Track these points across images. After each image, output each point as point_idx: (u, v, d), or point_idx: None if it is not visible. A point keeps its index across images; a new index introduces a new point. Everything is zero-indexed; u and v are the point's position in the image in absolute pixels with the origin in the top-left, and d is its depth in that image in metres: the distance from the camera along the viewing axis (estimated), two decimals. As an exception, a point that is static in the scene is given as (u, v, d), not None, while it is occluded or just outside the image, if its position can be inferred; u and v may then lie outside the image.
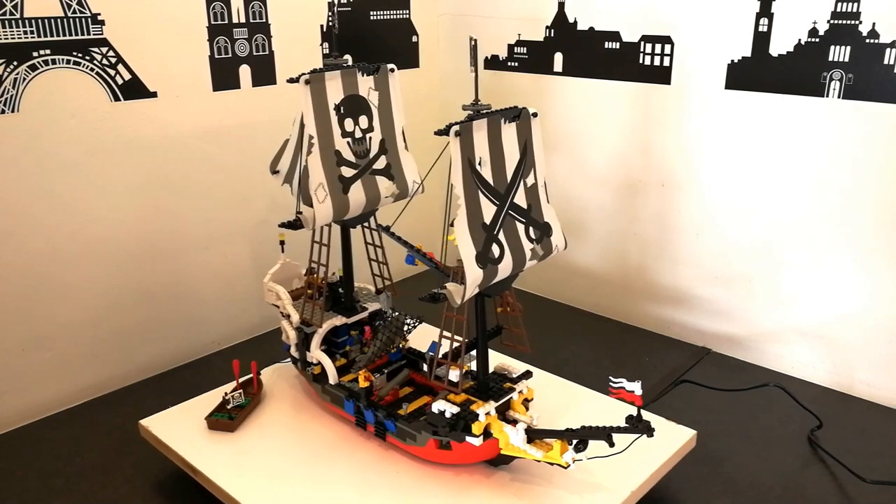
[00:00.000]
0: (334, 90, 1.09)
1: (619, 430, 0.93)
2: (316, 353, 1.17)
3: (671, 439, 1.09)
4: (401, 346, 1.22)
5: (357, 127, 1.13)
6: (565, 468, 0.97)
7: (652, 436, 0.91)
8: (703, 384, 1.35)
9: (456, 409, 1.00)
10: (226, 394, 1.19)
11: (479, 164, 0.96)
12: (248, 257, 1.58)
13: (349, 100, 1.11)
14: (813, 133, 1.33)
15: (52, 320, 1.32)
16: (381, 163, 1.16)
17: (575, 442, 0.96)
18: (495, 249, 0.97)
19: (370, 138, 1.15)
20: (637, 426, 0.91)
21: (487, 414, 1.00)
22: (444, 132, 0.92)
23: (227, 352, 1.54)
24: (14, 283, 1.27)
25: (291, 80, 1.07)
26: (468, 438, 1.00)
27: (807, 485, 1.11)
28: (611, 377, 0.93)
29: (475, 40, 0.98)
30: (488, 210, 0.97)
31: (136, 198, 1.39)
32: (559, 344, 1.53)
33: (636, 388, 0.91)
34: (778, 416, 1.27)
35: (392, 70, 1.16)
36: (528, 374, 1.08)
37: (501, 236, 0.98)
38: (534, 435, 0.99)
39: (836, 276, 1.36)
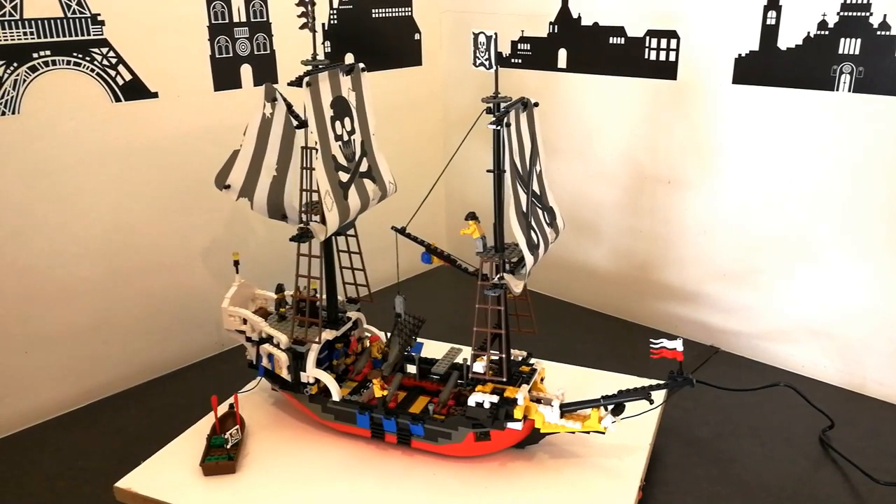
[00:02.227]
0: (326, 92, 1.07)
1: (659, 387, 1.00)
2: (315, 372, 1.13)
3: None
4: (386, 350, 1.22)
5: (344, 130, 1.11)
6: (603, 433, 1.03)
7: (693, 386, 0.99)
8: (712, 384, 1.33)
9: (495, 399, 1.03)
10: (208, 436, 1.11)
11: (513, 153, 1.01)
12: (252, 257, 1.57)
13: (336, 101, 1.09)
14: (822, 128, 1.31)
15: (54, 322, 1.32)
16: (364, 165, 1.14)
17: (611, 407, 1.01)
18: (534, 236, 1.01)
19: (354, 140, 1.13)
20: (678, 380, 0.98)
21: (524, 397, 1.03)
22: (498, 123, 0.96)
23: (230, 353, 1.53)
24: (16, 285, 1.26)
25: (293, 84, 1.04)
26: (509, 425, 1.03)
27: (818, 486, 1.09)
28: (651, 339, 0.99)
29: (495, 34, 0.99)
30: (522, 198, 1.01)
31: (138, 199, 1.38)
32: (565, 343, 1.51)
33: (677, 345, 0.97)
34: (789, 416, 1.25)
35: (364, 69, 1.14)
36: (530, 355, 1.13)
37: (533, 222, 1.03)
38: (566, 409, 1.03)
39: (847, 274, 1.34)
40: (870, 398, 1.33)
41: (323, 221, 1.08)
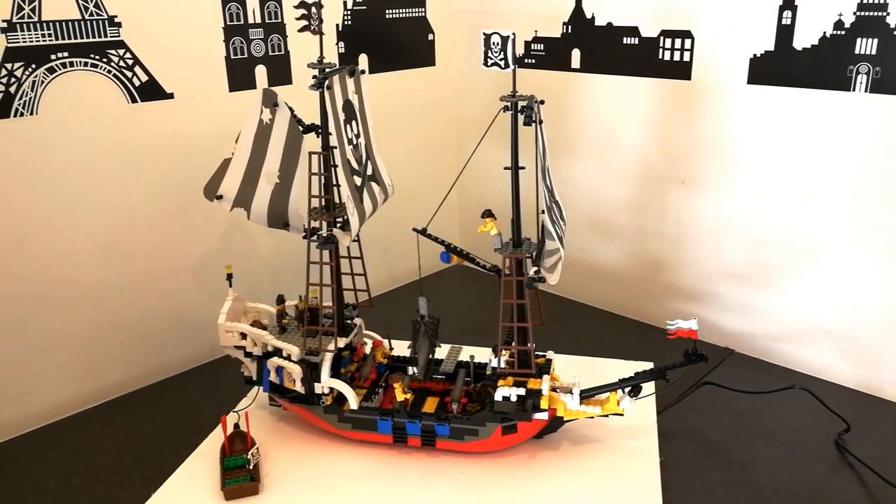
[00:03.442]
0: (338, 95, 1.07)
1: (674, 366, 1.05)
2: (330, 381, 1.10)
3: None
4: (386, 355, 1.21)
5: (352, 133, 1.10)
6: (622, 415, 1.09)
7: (707, 362, 1.04)
8: (727, 386, 1.32)
9: (522, 392, 1.06)
10: (221, 459, 1.07)
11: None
12: (265, 257, 1.58)
13: (346, 105, 1.08)
14: (839, 128, 1.29)
15: (70, 321, 1.33)
16: (369, 168, 1.14)
17: (628, 389, 1.07)
18: (558, 229, 1.05)
19: (360, 144, 1.12)
20: (692, 358, 1.04)
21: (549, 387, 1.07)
22: (529, 122, 1.00)
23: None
24: (33, 285, 1.28)
25: (314, 87, 1.03)
26: (536, 415, 1.06)
27: (834, 490, 1.08)
28: (667, 321, 1.05)
29: (513, 34, 1.01)
30: (546, 194, 1.04)
31: (153, 199, 1.39)
32: (577, 344, 1.50)
33: (692, 324, 1.03)
34: (804, 419, 1.24)
35: (363, 72, 1.13)
36: (535, 347, 1.13)
37: (555, 216, 1.05)
38: (584, 395, 1.08)
39: (863, 275, 1.33)
40: (887, 401, 1.32)
41: (331, 227, 1.07)
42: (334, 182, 1.10)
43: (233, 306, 1.18)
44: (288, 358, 1.12)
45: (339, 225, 1.11)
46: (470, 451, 1.11)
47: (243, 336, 1.16)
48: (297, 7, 1.06)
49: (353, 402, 1.10)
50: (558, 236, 1.04)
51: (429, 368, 1.17)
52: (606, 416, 1.09)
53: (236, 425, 1.13)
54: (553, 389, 1.09)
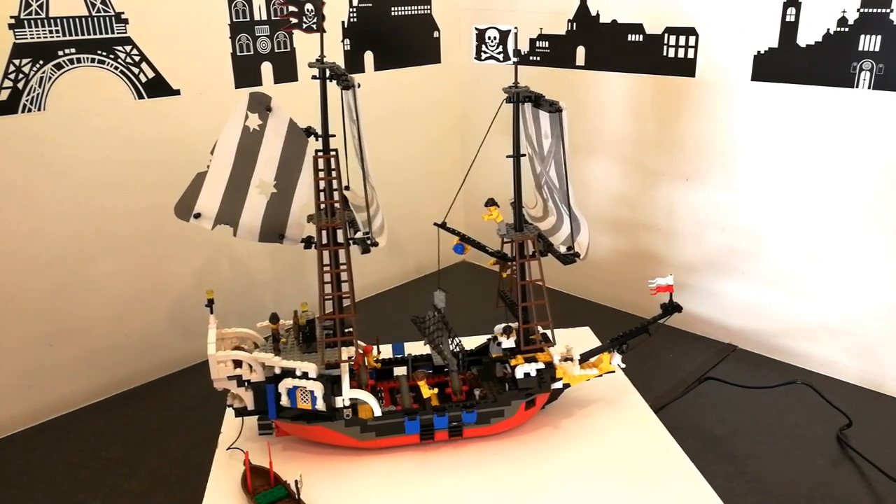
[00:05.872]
0: (351, 95, 1.03)
1: (654, 320, 1.16)
2: (353, 393, 1.05)
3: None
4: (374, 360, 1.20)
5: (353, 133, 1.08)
6: (613, 373, 1.18)
7: (681, 311, 1.15)
8: (729, 381, 1.33)
9: (541, 366, 1.11)
10: (251, 496, 1.00)
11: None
12: (268, 252, 1.59)
13: (348, 106, 1.06)
14: (842, 125, 1.30)
15: (77, 316, 1.34)
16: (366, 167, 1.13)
17: (617, 348, 1.16)
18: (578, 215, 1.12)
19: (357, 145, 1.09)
20: (669, 309, 1.14)
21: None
22: (556, 109, 1.00)
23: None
24: (41, 279, 1.29)
25: (346, 87, 1.00)
26: (554, 385, 1.13)
27: (836, 485, 1.09)
28: (649, 280, 1.14)
29: (515, 28, 1.04)
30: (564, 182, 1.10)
31: (159, 195, 1.40)
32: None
33: (669, 280, 1.13)
34: (806, 415, 1.25)
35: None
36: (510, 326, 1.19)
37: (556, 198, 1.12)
38: (581, 360, 1.16)
39: (866, 272, 1.33)
40: (889, 397, 1.32)
41: (368, 231, 1.06)
42: (344, 185, 1.08)
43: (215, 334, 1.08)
44: (304, 376, 1.04)
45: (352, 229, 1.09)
46: (495, 433, 1.13)
47: (237, 364, 1.05)
48: (283, 4, 1.03)
49: (377, 409, 1.07)
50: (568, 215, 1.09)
51: (458, 357, 1.18)
52: (601, 375, 1.16)
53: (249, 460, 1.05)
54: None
